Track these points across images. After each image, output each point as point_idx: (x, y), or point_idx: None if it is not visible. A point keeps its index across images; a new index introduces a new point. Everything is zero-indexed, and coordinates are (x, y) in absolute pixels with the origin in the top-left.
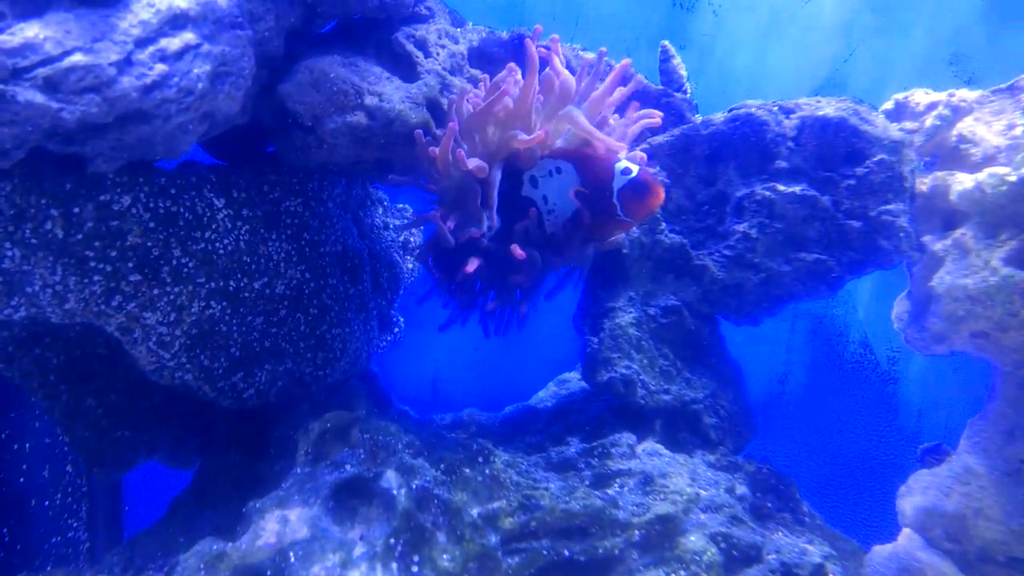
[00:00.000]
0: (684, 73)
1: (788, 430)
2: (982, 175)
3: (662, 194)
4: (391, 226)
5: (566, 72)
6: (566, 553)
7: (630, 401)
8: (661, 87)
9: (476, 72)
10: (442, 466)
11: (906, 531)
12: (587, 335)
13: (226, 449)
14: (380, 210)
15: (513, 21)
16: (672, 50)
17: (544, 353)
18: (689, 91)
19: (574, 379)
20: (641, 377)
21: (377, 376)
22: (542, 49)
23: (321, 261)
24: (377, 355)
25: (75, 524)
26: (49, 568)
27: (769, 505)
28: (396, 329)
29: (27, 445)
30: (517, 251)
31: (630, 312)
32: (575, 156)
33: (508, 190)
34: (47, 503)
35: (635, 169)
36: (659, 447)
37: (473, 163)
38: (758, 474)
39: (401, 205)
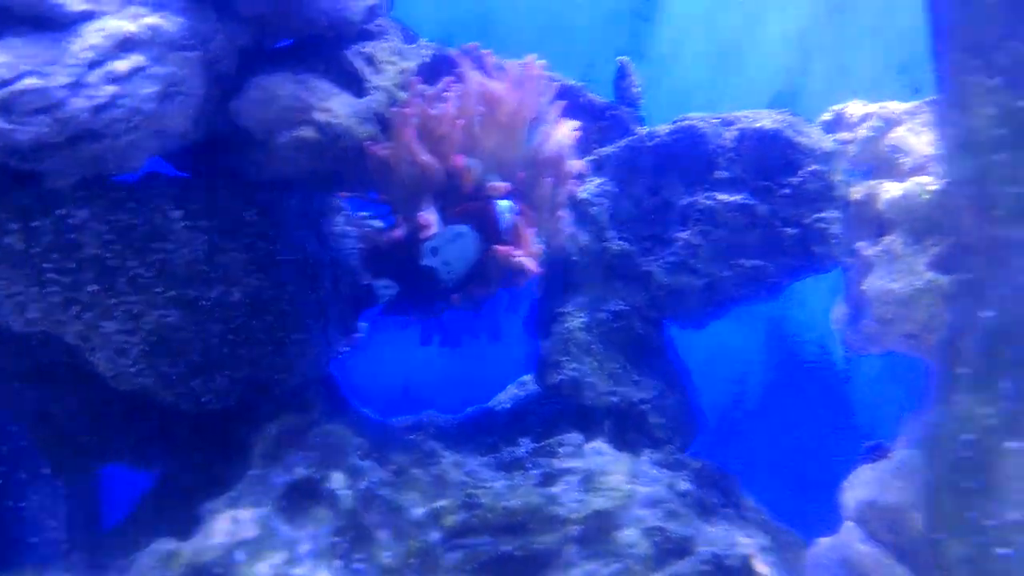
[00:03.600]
0: (637, 91)
1: (748, 429)
2: (908, 184)
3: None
4: (351, 234)
5: (495, 83)
6: (506, 548)
7: (579, 402)
8: (606, 100)
9: (425, 87)
10: (392, 467)
11: (848, 523)
12: (539, 339)
13: (188, 452)
14: (341, 218)
15: (481, 36)
16: (629, 68)
17: (513, 355)
18: (640, 107)
19: (532, 381)
20: (589, 379)
21: (337, 380)
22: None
23: (278, 269)
24: (349, 359)
25: (54, 525)
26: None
27: (713, 500)
28: (358, 334)
29: (3, 448)
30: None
31: (580, 317)
32: (470, 215)
33: (407, 260)
34: (24, 504)
35: (508, 204)
36: (605, 446)
37: (426, 157)
38: (702, 471)
39: (364, 213)
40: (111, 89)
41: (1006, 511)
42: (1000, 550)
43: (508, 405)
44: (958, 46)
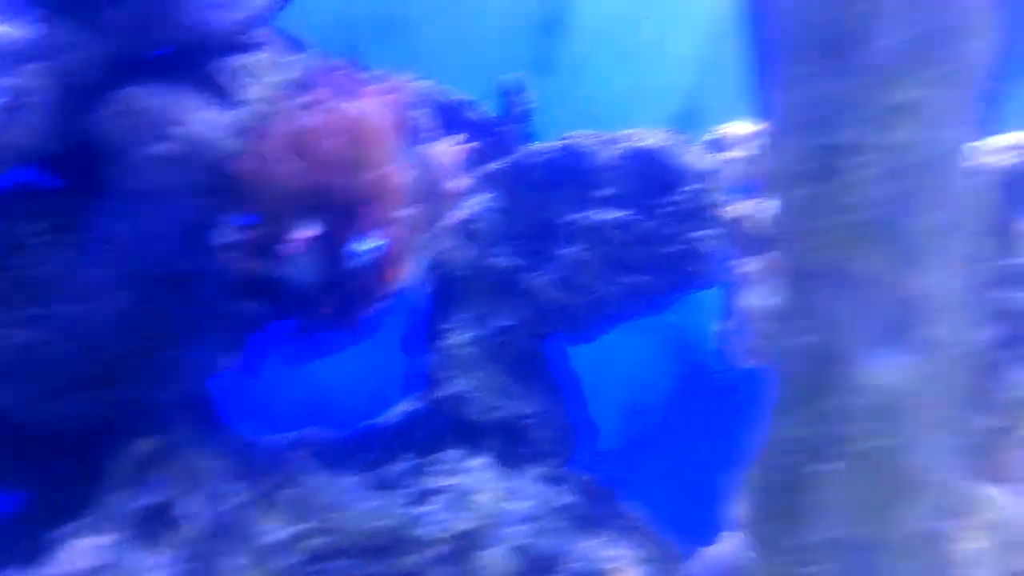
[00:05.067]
0: (528, 106)
1: (655, 437)
2: None
3: (407, 263)
4: (229, 248)
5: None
6: (367, 571)
7: (464, 418)
8: (495, 116)
9: (296, 101)
10: (257, 489)
11: (734, 533)
12: (422, 355)
13: (42, 474)
14: (222, 230)
15: (384, 43)
16: (522, 84)
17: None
18: (530, 122)
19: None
20: (473, 395)
21: (214, 398)
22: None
23: (151, 284)
24: (243, 374)
25: None
26: None
27: (594, 514)
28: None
29: None
30: None
31: (464, 332)
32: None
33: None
34: None
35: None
36: (484, 462)
37: (291, 172)
38: (584, 484)
39: (244, 227)
40: None
41: (814, 532)
42: (806, 570)
43: (396, 420)
44: (771, 81)
